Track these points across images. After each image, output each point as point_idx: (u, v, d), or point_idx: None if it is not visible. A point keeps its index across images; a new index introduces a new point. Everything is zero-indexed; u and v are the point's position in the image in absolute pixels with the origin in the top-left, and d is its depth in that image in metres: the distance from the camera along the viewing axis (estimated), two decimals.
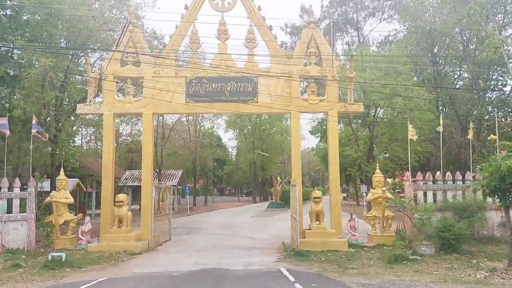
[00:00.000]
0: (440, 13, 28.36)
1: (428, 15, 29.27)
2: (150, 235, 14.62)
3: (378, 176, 15.17)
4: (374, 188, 15.14)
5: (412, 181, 15.13)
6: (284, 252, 13.38)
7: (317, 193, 14.47)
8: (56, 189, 15.28)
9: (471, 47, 29.48)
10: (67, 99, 21.84)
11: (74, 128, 27.40)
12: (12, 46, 18.49)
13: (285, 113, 15.63)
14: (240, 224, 22.76)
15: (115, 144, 34.19)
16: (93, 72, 15.38)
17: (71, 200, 15.20)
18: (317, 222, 14.37)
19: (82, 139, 34.03)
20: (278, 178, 40.00)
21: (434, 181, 15.21)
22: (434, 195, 15.09)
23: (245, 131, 53.48)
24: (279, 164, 52.33)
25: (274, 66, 15.29)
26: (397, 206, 13.20)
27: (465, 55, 29.49)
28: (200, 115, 40.04)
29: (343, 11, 35.36)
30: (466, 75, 30.91)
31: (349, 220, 15.28)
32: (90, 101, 15.18)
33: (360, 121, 35.84)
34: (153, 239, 14.79)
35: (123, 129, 36.61)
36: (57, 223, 14.63)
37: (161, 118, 34.99)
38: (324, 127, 47.63)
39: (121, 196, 14.48)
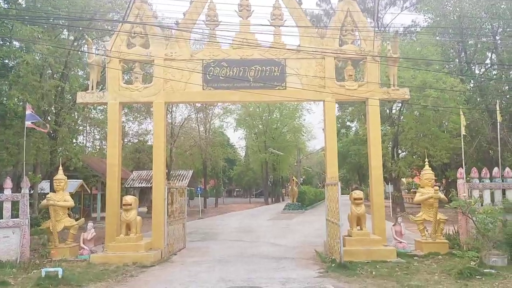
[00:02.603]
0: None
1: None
2: (163, 243, 12.57)
3: (428, 173, 12.96)
4: (423, 187, 12.96)
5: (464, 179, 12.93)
6: (322, 263, 11.27)
7: (357, 193, 12.30)
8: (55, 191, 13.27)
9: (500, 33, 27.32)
10: (69, 94, 19.80)
11: (80, 128, 25.49)
12: (10, 35, 16.63)
13: (318, 100, 13.53)
14: (260, 228, 20.64)
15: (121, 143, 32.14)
16: (96, 55, 13.37)
17: (71, 203, 13.15)
18: (358, 228, 12.24)
19: (86, 138, 32.22)
20: (294, 178, 37.84)
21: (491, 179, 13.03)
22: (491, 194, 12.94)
23: (256, 130, 51.34)
24: (295, 164, 50.08)
25: (304, 46, 13.20)
26: (459, 208, 11.02)
27: (495, 42, 27.30)
28: (211, 110, 38.14)
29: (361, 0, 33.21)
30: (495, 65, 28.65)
31: (393, 225, 13.12)
32: (92, 89, 13.16)
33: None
34: (167, 248, 12.75)
35: (129, 128, 34.79)
36: (55, 230, 12.57)
37: (170, 115, 33.05)
38: (339, 125, 45.63)
39: (129, 198, 12.43)
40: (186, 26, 13.07)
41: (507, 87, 27.84)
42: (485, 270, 9.45)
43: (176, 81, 13.10)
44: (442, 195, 12.40)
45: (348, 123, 43.59)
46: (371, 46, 13.00)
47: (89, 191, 28.85)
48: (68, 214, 22.07)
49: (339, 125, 45.48)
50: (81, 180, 25.81)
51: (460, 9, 26.34)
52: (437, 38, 28.73)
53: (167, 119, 32.32)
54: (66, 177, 13.37)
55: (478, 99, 29.09)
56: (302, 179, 40.78)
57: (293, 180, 36.49)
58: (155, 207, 12.94)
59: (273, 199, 56.17)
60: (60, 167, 13.44)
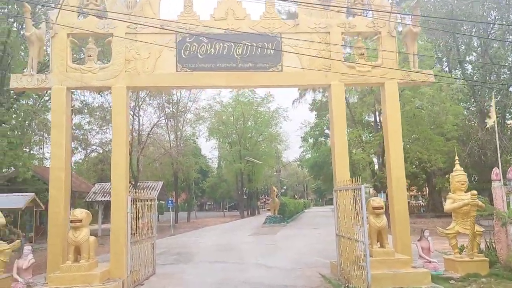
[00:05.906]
0: None
1: None
2: (125, 271, 9.54)
3: (460, 174, 10.44)
4: (454, 192, 10.46)
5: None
6: None
7: (378, 201, 9.65)
8: None
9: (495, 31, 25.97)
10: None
11: (36, 137, 22.06)
12: None
13: (323, 85, 10.92)
14: (242, 246, 17.71)
15: (71, 148, 28.31)
16: (38, 28, 10.32)
17: (1, 220, 9.92)
18: (379, 244, 9.59)
19: (43, 147, 28.69)
20: (275, 188, 35.02)
21: None
22: None
23: (230, 140, 48.44)
24: (274, 173, 47.29)
25: (305, 19, 10.62)
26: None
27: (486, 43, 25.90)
28: (183, 116, 35.15)
29: None
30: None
31: (418, 240, 10.55)
32: (31, 70, 10.07)
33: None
34: (130, 277, 9.71)
35: (93, 137, 31.49)
36: None
37: (137, 120, 29.88)
38: (317, 132, 43.17)
39: (78, 213, 9.30)
40: None
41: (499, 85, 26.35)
42: None
43: (142, 61, 10.24)
44: (480, 202, 9.90)
45: (327, 131, 41.13)
46: (386, 19, 10.54)
47: (43, 207, 25.12)
48: (14, 232, 18.69)
49: (317, 133, 43.23)
50: (33, 194, 22.19)
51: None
52: (428, 34, 27.11)
53: (134, 125, 29.21)
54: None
55: (466, 104, 27.62)
56: (283, 189, 37.98)
57: (274, 190, 33.66)
58: (114, 223, 9.91)
59: (249, 212, 53.14)
60: None
